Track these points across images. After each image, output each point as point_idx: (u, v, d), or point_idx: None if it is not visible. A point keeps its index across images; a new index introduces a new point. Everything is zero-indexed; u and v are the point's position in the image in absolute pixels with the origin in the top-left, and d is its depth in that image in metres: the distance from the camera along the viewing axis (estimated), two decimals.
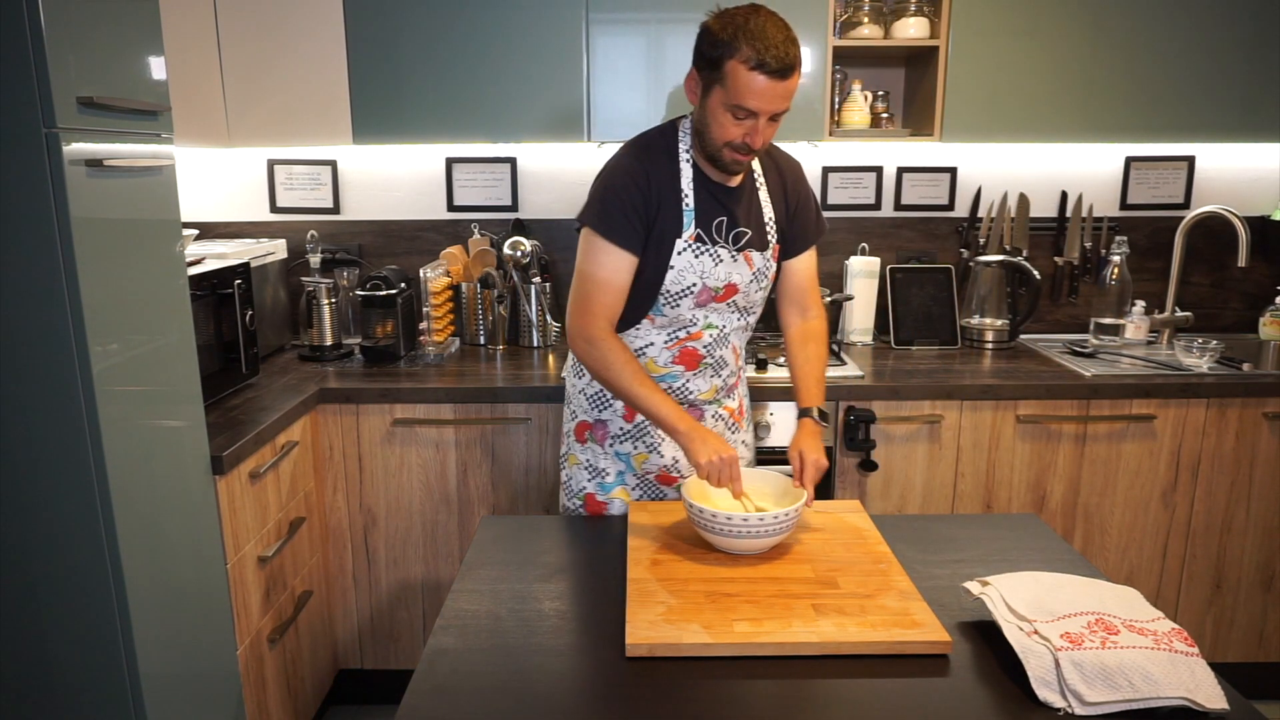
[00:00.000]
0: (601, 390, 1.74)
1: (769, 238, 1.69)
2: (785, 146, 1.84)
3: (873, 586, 1.32)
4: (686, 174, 1.62)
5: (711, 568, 1.39)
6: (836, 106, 2.61)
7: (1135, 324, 2.69)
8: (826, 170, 2.83)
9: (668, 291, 1.62)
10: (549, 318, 2.69)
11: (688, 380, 1.72)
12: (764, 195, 1.69)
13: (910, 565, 1.42)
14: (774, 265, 1.71)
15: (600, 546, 1.53)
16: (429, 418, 2.29)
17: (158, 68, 1.60)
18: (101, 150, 1.43)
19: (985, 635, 1.23)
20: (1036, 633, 1.13)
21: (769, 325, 2.43)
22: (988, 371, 2.41)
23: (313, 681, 2.28)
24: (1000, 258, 2.70)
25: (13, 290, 1.36)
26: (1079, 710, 1.05)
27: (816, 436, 1.64)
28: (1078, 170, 2.83)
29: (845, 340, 2.76)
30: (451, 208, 2.84)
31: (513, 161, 2.81)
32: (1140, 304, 2.71)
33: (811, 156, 2.80)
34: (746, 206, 1.66)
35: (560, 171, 2.82)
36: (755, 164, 1.70)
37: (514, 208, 2.83)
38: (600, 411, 1.76)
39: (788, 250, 1.75)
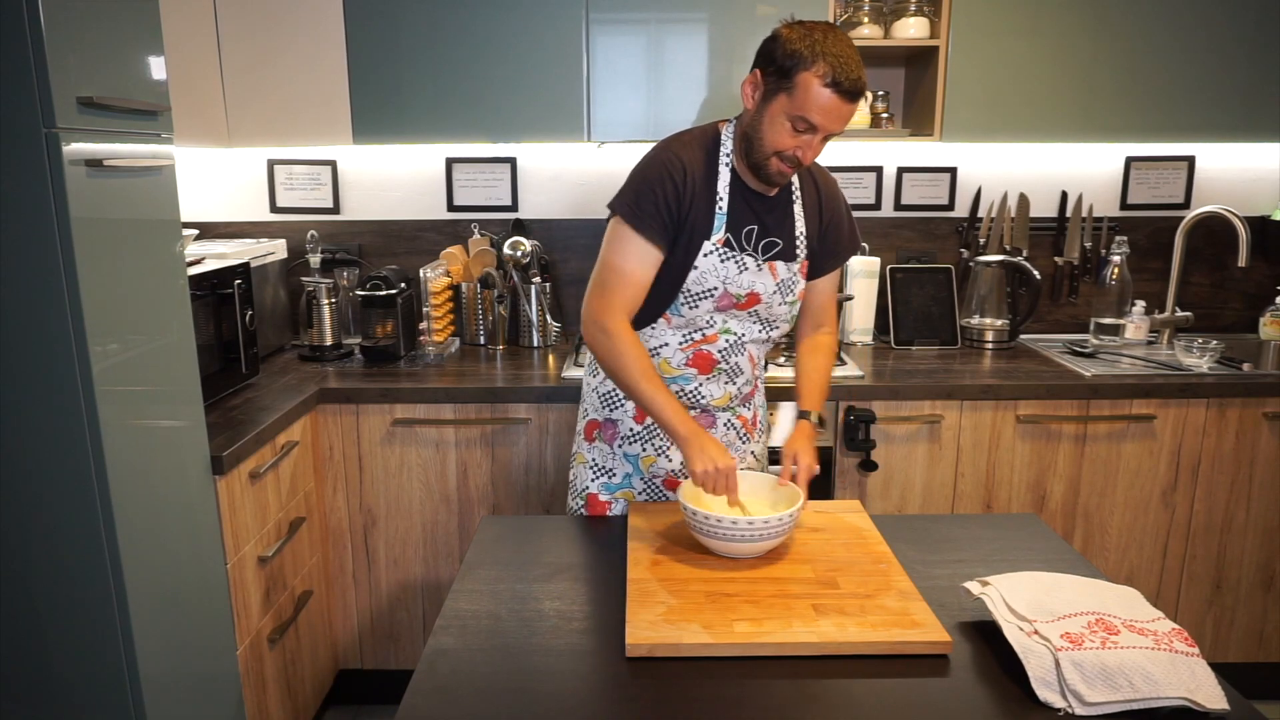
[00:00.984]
0: (614, 390, 1.73)
1: (798, 251, 1.67)
2: None
3: (873, 586, 1.32)
4: (724, 177, 1.60)
5: (711, 568, 1.39)
6: None
7: (1135, 324, 2.69)
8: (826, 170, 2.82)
9: (688, 291, 1.61)
10: (549, 318, 2.69)
11: (701, 384, 1.71)
12: (798, 209, 1.67)
13: (910, 565, 1.42)
14: (801, 281, 1.69)
15: (600, 547, 1.53)
16: (429, 418, 2.29)
17: (157, 67, 1.60)
18: (101, 150, 1.43)
19: (985, 635, 1.23)
20: (1037, 633, 1.13)
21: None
22: (988, 371, 2.41)
23: (312, 681, 2.28)
24: (1000, 258, 2.70)
25: (13, 290, 1.36)
26: (1079, 710, 1.05)
27: (812, 440, 1.65)
28: (1078, 170, 2.83)
29: (845, 340, 2.76)
30: (451, 208, 2.84)
31: (513, 161, 2.81)
32: (1140, 304, 2.71)
33: None
34: (780, 218, 1.65)
35: (560, 171, 2.82)
36: (794, 177, 1.68)
37: (514, 208, 2.83)
38: (611, 411, 1.75)
39: (818, 266, 1.73)
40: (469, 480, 2.34)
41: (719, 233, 1.60)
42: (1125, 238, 2.74)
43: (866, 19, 2.51)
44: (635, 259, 1.58)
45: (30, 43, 1.29)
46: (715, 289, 1.61)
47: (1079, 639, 1.10)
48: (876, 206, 2.86)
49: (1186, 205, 2.84)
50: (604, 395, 1.76)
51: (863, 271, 2.71)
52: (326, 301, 2.55)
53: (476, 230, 2.79)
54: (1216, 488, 2.37)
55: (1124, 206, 2.85)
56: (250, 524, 1.91)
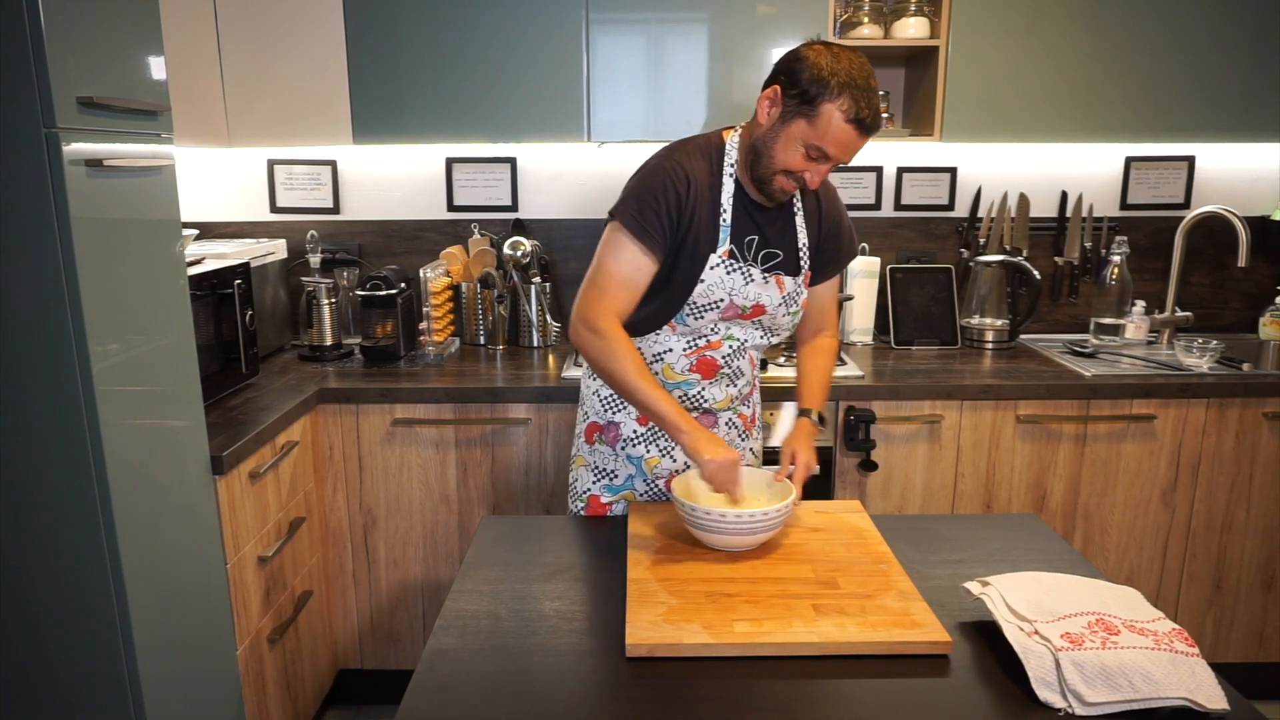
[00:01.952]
0: (615, 393, 1.73)
1: (801, 264, 1.68)
2: None
3: (873, 586, 1.32)
4: (728, 188, 1.60)
5: (712, 568, 1.39)
6: None
7: (1135, 324, 2.69)
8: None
9: (694, 303, 1.61)
10: (549, 318, 2.69)
11: (704, 388, 1.71)
12: (800, 221, 1.67)
13: (910, 565, 1.42)
14: (804, 292, 1.69)
15: (600, 547, 1.53)
16: (429, 418, 2.29)
17: (158, 68, 1.60)
18: (101, 150, 1.43)
19: (985, 635, 1.23)
20: (1037, 633, 1.13)
21: None
22: (988, 371, 2.41)
23: (313, 682, 2.28)
24: (1000, 258, 2.70)
25: (13, 290, 1.36)
26: (1079, 710, 1.05)
27: (811, 438, 1.66)
28: (1078, 170, 2.83)
29: (845, 340, 2.75)
30: (451, 208, 2.84)
31: (513, 161, 2.81)
32: (1140, 304, 2.71)
33: None
34: (780, 229, 1.65)
35: (560, 171, 2.82)
36: None
37: (514, 208, 2.83)
38: (613, 414, 1.75)
39: (818, 273, 1.74)
40: (469, 480, 2.34)
41: (724, 245, 1.59)
42: (1125, 238, 2.74)
43: (866, 19, 2.51)
44: (631, 265, 1.58)
45: (30, 43, 1.29)
46: (721, 300, 1.61)
47: (1079, 639, 1.10)
48: (876, 206, 2.86)
49: (1186, 205, 2.84)
50: (605, 399, 1.76)
51: (863, 271, 2.71)
52: (326, 301, 2.55)
53: (476, 230, 2.79)
54: (1216, 488, 2.36)
55: (1124, 206, 2.85)
56: (250, 524, 1.91)
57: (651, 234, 1.56)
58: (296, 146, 2.69)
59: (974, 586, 1.26)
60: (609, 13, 2.38)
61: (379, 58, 2.40)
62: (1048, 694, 1.07)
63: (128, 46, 1.53)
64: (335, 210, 2.83)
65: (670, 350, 1.68)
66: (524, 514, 2.36)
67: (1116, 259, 2.73)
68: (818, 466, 1.60)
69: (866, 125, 1.45)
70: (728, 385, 1.72)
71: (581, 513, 1.79)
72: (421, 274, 2.59)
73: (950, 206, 2.85)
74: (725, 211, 1.59)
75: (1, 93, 1.30)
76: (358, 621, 2.43)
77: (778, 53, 1.97)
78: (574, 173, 2.82)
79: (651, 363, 1.68)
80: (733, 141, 1.61)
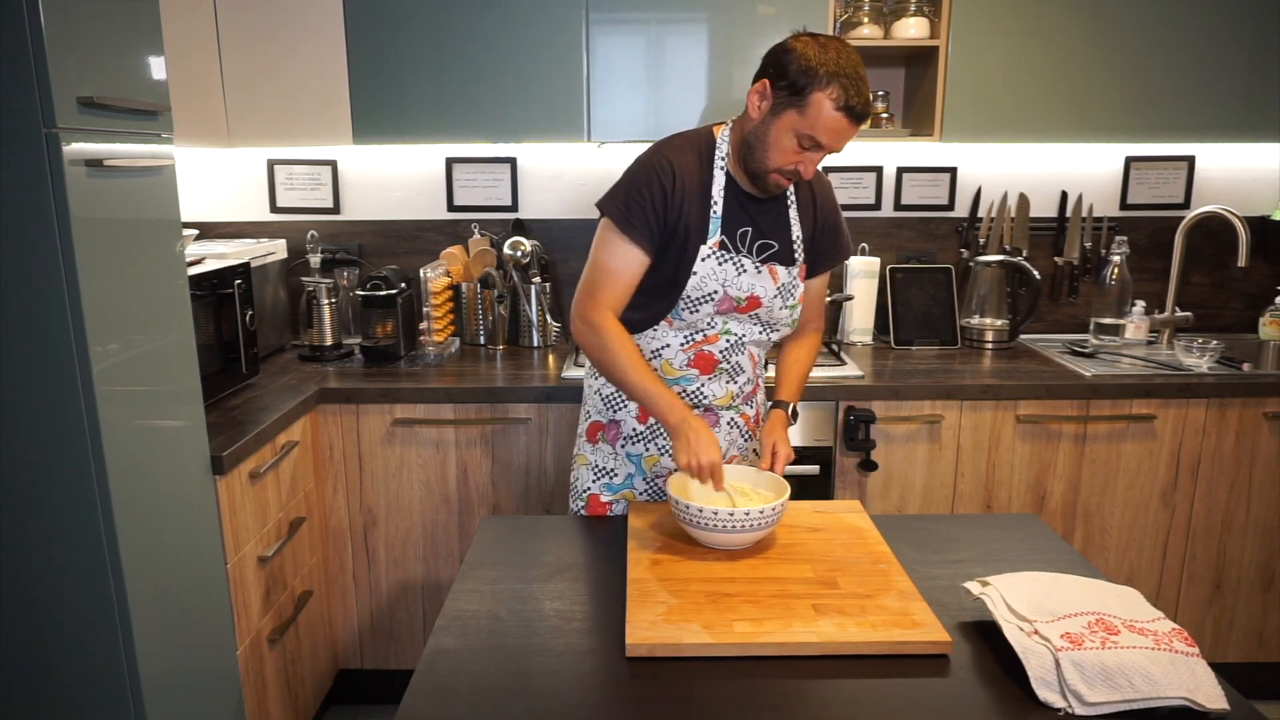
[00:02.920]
0: (617, 391, 1.74)
1: (796, 255, 1.68)
2: None
3: (873, 586, 1.32)
4: (719, 181, 1.61)
5: (711, 567, 1.39)
6: None
7: (1135, 324, 2.69)
8: (826, 170, 2.82)
9: (688, 297, 1.62)
10: (549, 318, 2.69)
11: (703, 385, 1.71)
12: (793, 213, 1.68)
13: (910, 565, 1.42)
14: (800, 285, 1.70)
15: (600, 547, 1.53)
16: (429, 418, 2.29)
17: (158, 68, 1.60)
18: (101, 150, 1.43)
19: (985, 635, 1.23)
20: (1037, 633, 1.13)
21: None
22: (988, 371, 2.41)
23: (313, 681, 2.28)
24: (1000, 258, 2.71)
25: (13, 290, 1.36)
26: (1079, 710, 1.05)
27: (786, 429, 1.69)
28: (1077, 170, 2.83)
29: (845, 340, 2.76)
30: (451, 208, 2.84)
31: (513, 161, 2.81)
32: (1140, 304, 2.71)
33: None
34: (774, 220, 1.66)
35: (560, 171, 2.82)
36: None
37: (514, 208, 2.83)
38: (615, 412, 1.76)
39: (811, 267, 1.74)
40: (469, 480, 2.34)
41: (714, 236, 1.60)
42: (1125, 238, 2.74)
43: (866, 19, 2.51)
44: (621, 259, 1.60)
45: (30, 43, 1.30)
46: (715, 292, 1.62)
47: (1079, 639, 1.10)
48: (876, 206, 2.86)
49: (1186, 205, 2.84)
50: (606, 397, 1.76)
51: (863, 271, 2.71)
52: (326, 301, 2.55)
53: (476, 230, 2.79)
54: (1216, 488, 2.37)
55: (1124, 206, 2.85)
56: (250, 524, 1.91)
57: (638, 227, 1.58)
58: (296, 146, 2.69)
59: (974, 586, 1.26)
60: (609, 13, 2.38)
61: (379, 58, 2.40)
62: (1048, 694, 1.07)
63: (128, 46, 1.53)
64: (335, 210, 2.83)
65: (668, 345, 1.69)
66: (524, 514, 2.36)
67: (1116, 259, 2.73)
68: (794, 455, 1.63)
69: (856, 112, 1.46)
70: (727, 381, 1.72)
71: (581, 512, 1.79)
72: (421, 274, 2.59)
73: (950, 206, 2.85)
74: (716, 204, 1.60)
75: (1, 93, 1.30)
76: (358, 621, 2.43)
77: None
78: (574, 173, 2.82)
79: (650, 358, 1.69)
80: (723, 135, 1.63)
